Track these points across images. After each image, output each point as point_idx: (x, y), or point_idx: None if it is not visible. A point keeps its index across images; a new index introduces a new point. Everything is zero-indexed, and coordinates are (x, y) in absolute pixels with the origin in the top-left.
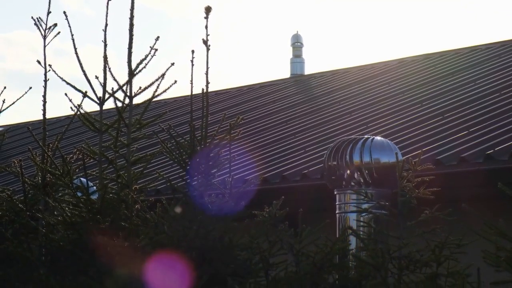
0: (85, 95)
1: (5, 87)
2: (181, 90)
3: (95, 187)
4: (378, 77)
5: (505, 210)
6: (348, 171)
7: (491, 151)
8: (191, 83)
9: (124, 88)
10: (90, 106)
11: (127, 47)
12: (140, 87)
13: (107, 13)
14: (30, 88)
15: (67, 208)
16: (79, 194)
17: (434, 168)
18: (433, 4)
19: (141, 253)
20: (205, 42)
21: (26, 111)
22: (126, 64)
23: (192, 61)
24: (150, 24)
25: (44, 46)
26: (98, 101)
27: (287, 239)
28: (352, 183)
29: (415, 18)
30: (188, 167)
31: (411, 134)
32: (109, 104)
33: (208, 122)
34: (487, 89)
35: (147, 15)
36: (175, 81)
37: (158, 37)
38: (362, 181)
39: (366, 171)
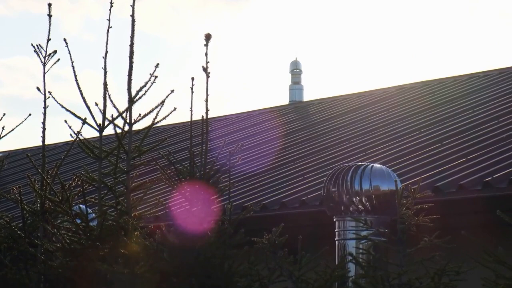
0: (84, 121)
1: (4, 114)
2: (180, 115)
3: (94, 214)
4: (377, 104)
5: (504, 237)
6: (347, 198)
7: (490, 178)
8: (191, 110)
9: (124, 115)
10: (89, 132)
11: (127, 74)
12: (139, 114)
13: (107, 41)
14: (30, 115)
15: (66, 235)
16: (78, 221)
17: (433, 195)
18: (432, 31)
19: (140, 280)
20: (205, 69)
21: (25, 137)
22: (126, 89)
23: (191, 88)
24: (149, 50)
25: (44, 73)
26: (97, 128)
27: (286, 266)
28: (351, 210)
29: (414, 45)
30: (187, 194)
31: (410, 161)
32: (108, 130)
33: (208, 148)
34: (485, 116)
35: (146, 40)
36: (175, 108)
37: (157, 64)
38: (361, 208)
39: (365, 198)
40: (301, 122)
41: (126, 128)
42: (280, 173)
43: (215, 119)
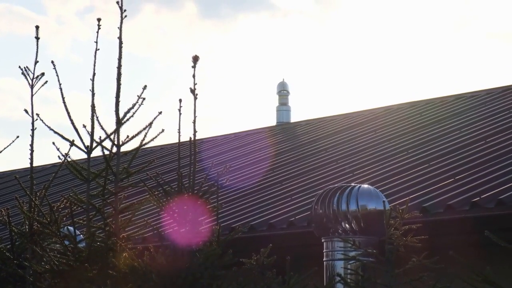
0: (72, 143)
1: None
2: (168, 136)
3: (82, 236)
4: (364, 125)
5: (492, 258)
6: (335, 219)
7: (477, 198)
8: (179, 132)
9: (112, 136)
10: (77, 154)
11: (115, 95)
12: (127, 136)
13: (94, 63)
14: (18, 137)
15: (54, 257)
16: (66, 242)
17: (421, 215)
18: (419, 52)
19: None
20: (192, 91)
21: (13, 159)
22: (114, 111)
23: (179, 109)
24: (137, 71)
25: (32, 95)
26: (85, 150)
27: (275, 287)
28: (340, 231)
29: (401, 66)
30: (175, 215)
31: (397, 182)
32: (97, 152)
33: (196, 169)
34: (473, 137)
35: (134, 62)
36: (163, 130)
37: (145, 86)
38: (349, 228)
39: (353, 219)
40: (288, 143)
41: (114, 150)
42: (267, 194)
43: (203, 140)
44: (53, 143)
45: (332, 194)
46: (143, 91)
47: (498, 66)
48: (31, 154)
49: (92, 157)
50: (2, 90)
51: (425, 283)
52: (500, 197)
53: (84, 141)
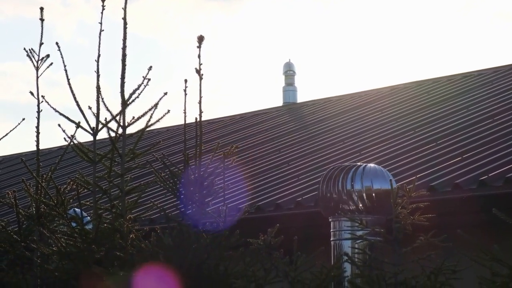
0: (78, 125)
1: None
2: (174, 118)
3: (89, 217)
4: (371, 105)
5: (499, 236)
6: (343, 199)
7: (485, 177)
8: (185, 113)
9: (118, 118)
10: (83, 137)
11: (120, 77)
12: (133, 117)
13: (99, 44)
14: (23, 119)
15: (61, 239)
16: (73, 224)
17: (428, 194)
18: (426, 31)
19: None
20: (198, 71)
21: (19, 142)
22: (119, 93)
23: (185, 90)
24: (142, 52)
25: (37, 78)
26: (91, 132)
27: (282, 267)
28: (347, 210)
29: (408, 45)
30: (182, 196)
31: (404, 161)
32: (102, 134)
33: (202, 151)
34: (480, 115)
35: (139, 43)
36: (168, 111)
37: (150, 67)
38: (356, 208)
39: (361, 198)
40: (295, 123)
41: (120, 131)
42: (274, 175)
43: (209, 121)
44: (59, 125)
45: (340, 173)
46: (148, 71)
47: (505, 45)
48: (37, 136)
49: (98, 140)
50: (9, 74)
51: (432, 261)
52: (508, 175)
53: (90, 123)
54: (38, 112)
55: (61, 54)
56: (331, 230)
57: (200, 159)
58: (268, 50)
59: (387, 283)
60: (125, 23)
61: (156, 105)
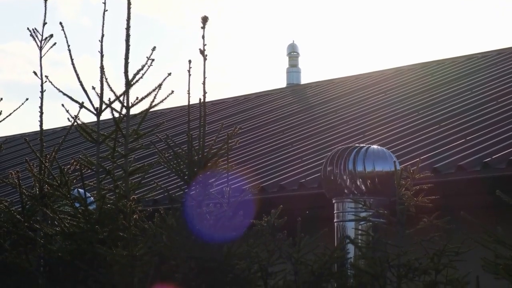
0: (82, 105)
1: (1, 99)
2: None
3: (92, 198)
4: (375, 86)
5: (503, 218)
6: (346, 180)
7: (489, 159)
8: (188, 93)
9: (121, 98)
10: (87, 117)
11: (124, 57)
12: (137, 98)
13: (103, 24)
14: (27, 99)
15: (65, 219)
16: (77, 204)
17: (432, 176)
18: (430, 12)
19: (139, 263)
20: (202, 52)
21: (23, 122)
22: (123, 74)
23: (189, 71)
24: (146, 33)
25: (40, 57)
26: (95, 112)
27: (285, 248)
28: (350, 192)
29: (412, 27)
30: (185, 177)
31: (408, 142)
32: (106, 115)
33: (206, 131)
34: (484, 97)
35: (143, 23)
36: (172, 91)
37: (154, 47)
38: (360, 189)
39: (364, 180)
40: (298, 105)
41: (124, 111)
42: (278, 156)
43: (213, 102)
44: (63, 105)
45: (343, 154)
46: (152, 52)
47: (509, 27)
48: (41, 116)
49: (102, 120)
50: (12, 53)
51: (436, 243)
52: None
53: (93, 103)
54: (42, 92)
55: (64, 34)
56: (335, 212)
57: (204, 139)
58: (272, 31)
59: (390, 264)
60: (129, 3)
61: (160, 86)
